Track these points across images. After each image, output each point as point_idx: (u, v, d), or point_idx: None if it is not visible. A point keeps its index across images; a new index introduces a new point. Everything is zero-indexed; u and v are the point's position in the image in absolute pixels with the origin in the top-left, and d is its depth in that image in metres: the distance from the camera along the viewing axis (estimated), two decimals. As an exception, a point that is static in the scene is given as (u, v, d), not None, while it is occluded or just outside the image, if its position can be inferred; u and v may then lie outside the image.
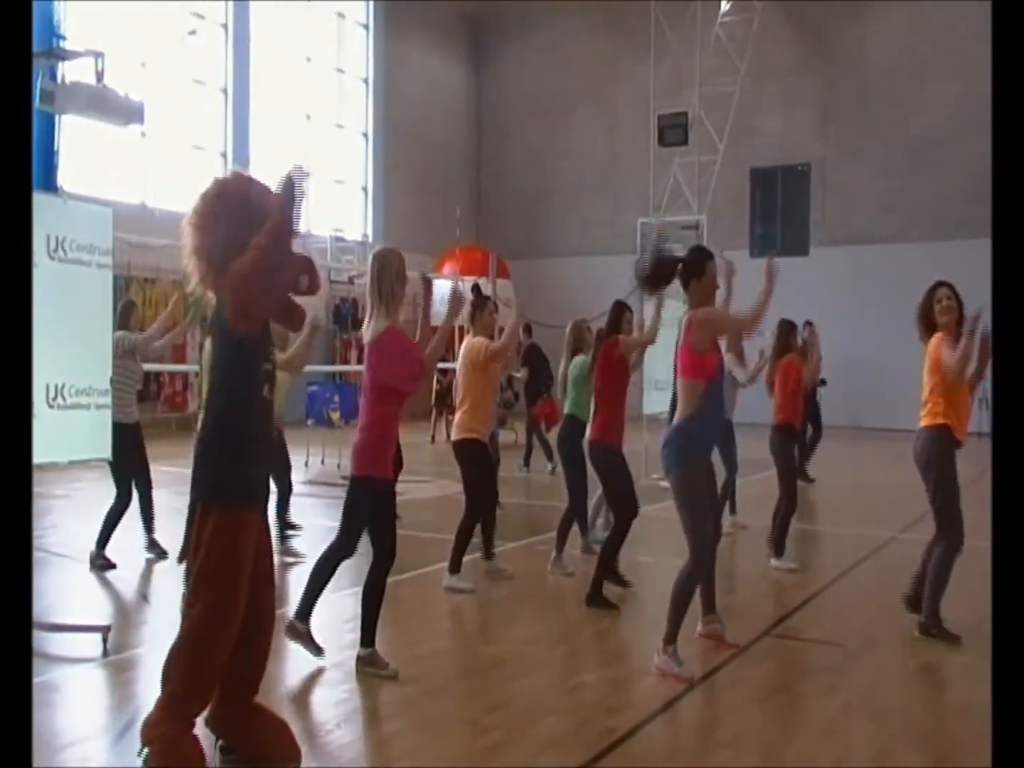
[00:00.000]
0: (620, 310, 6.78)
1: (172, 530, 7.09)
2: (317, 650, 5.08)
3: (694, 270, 4.97)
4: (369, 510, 4.96)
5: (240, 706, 3.51)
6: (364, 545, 5.05)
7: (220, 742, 3.55)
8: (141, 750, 3.26)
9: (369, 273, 4.91)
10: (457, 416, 6.81)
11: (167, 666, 3.38)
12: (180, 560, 4.59)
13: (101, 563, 7.03)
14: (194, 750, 3.27)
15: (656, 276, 5.04)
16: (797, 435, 7.56)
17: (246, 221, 3.40)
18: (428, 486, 11.41)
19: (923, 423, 5.66)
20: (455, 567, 6.63)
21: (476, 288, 7.19)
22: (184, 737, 3.27)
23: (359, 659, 4.89)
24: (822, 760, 3.94)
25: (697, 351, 4.90)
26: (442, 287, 20.80)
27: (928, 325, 5.65)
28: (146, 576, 7.08)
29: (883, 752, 4.03)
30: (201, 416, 3.79)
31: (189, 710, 3.32)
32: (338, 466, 13.31)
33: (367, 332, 4.94)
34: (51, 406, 5.25)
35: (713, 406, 4.97)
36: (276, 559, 7.20)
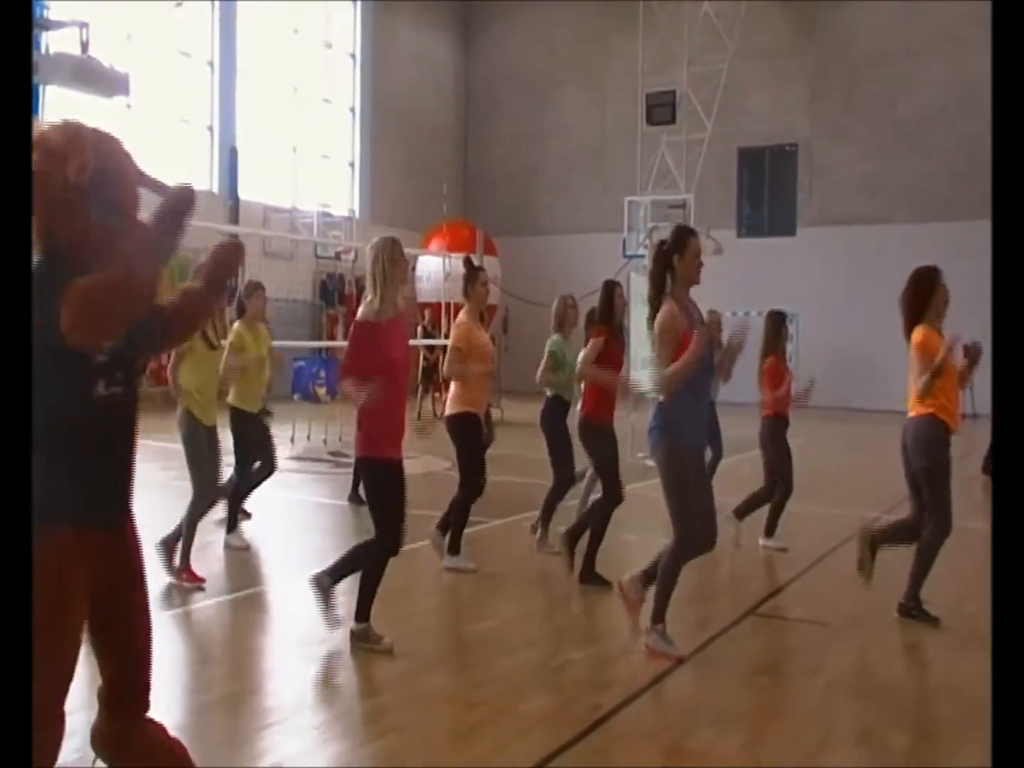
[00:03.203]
0: (611, 289, 6.75)
1: (153, 504, 7.06)
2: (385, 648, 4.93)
3: (676, 247, 4.94)
4: (368, 488, 5.05)
5: (125, 723, 3.15)
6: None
7: (97, 761, 3.21)
8: None
9: (367, 260, 4.99)
10: (451, 390, 6.76)
11: None
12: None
13: None
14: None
15: (657, 266, 5.01)
16: (787, 423, 7.60)
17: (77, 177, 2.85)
18: (415, 462, 11.41)
19: (914, 412, 5.61)
20: (455, 548, 6.59)
21: (468, 260, 7.10)
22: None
23: (353, 634, 4.90)
24: (806, 739, 3.98)
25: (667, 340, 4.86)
26: (429, 264, 20.78)
27: (919, 313, 5.60)
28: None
29: (867, 731, 4.07)
30: None
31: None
32: (324, 442, 13.30)
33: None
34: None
35: (698, 386, 4.91)
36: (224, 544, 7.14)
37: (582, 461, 7.10)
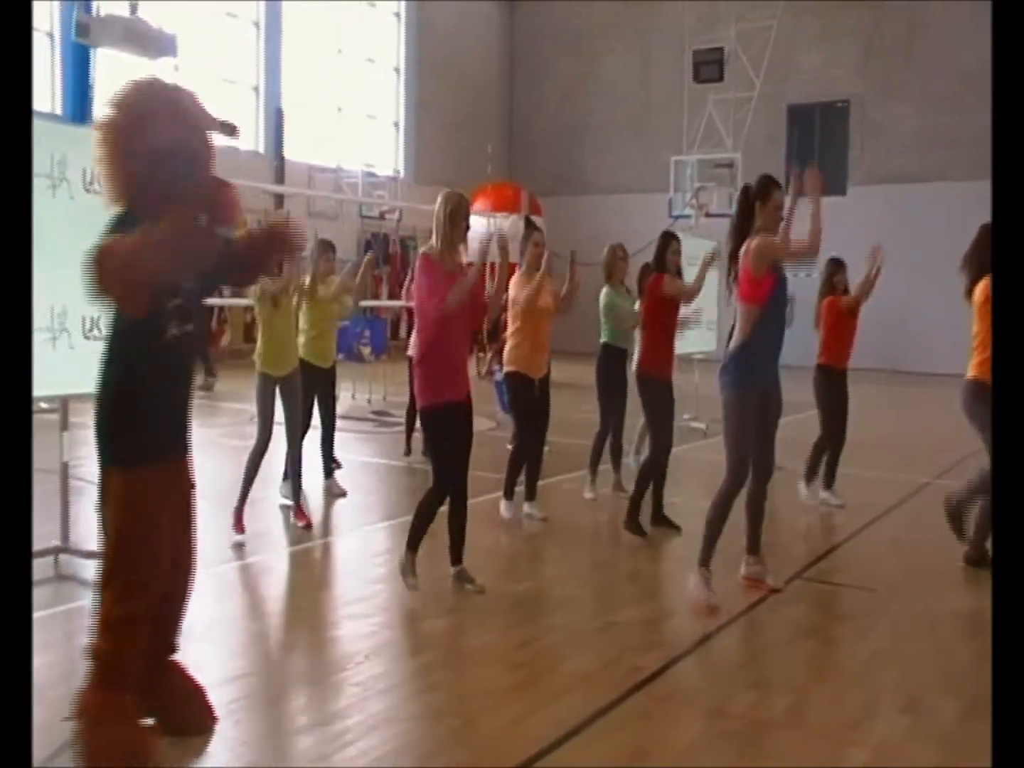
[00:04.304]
0: (666, 241, 6.68)
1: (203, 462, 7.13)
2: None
3: (760, 195, 5.10)
4: (426, 437, 5.29)
5: (153, 663, 3.32)
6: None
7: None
8: (70, 719, 3.14)
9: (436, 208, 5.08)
10: (506, 348, 6.76)
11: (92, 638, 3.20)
12: None
13: None
14: (129, 715, 3.15)
15: (742, 213, 5.15)
16: (840, 375, 7.54)
17: (151, 135, 3.08)
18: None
19: (970, 374, 5.59)
20: (510, 494, 6.76)
21: (527, 220, 7.15)
22: (117, 703, 3.12)
23: (400, 561, 5.17)
24: (851, 705, 3.93)
25: (754, 276, 5.02)
26: (474, 224, 20.68)
27: (985, 270, 5.50)
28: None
29: (914, 698, 4.02)
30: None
31: (125, 681, 3.14)
32: (368, 401, 13.37)
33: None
34: (87, 337, 5.26)
35: (770, 332, 5.09)
36: (321, 494, 7.33)
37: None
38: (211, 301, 17.04)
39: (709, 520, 5.11)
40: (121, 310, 3.00)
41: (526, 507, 6.82)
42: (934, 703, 3.98)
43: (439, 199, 5.09)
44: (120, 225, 3.08)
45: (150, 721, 3.36)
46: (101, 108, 3.12)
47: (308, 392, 6.92)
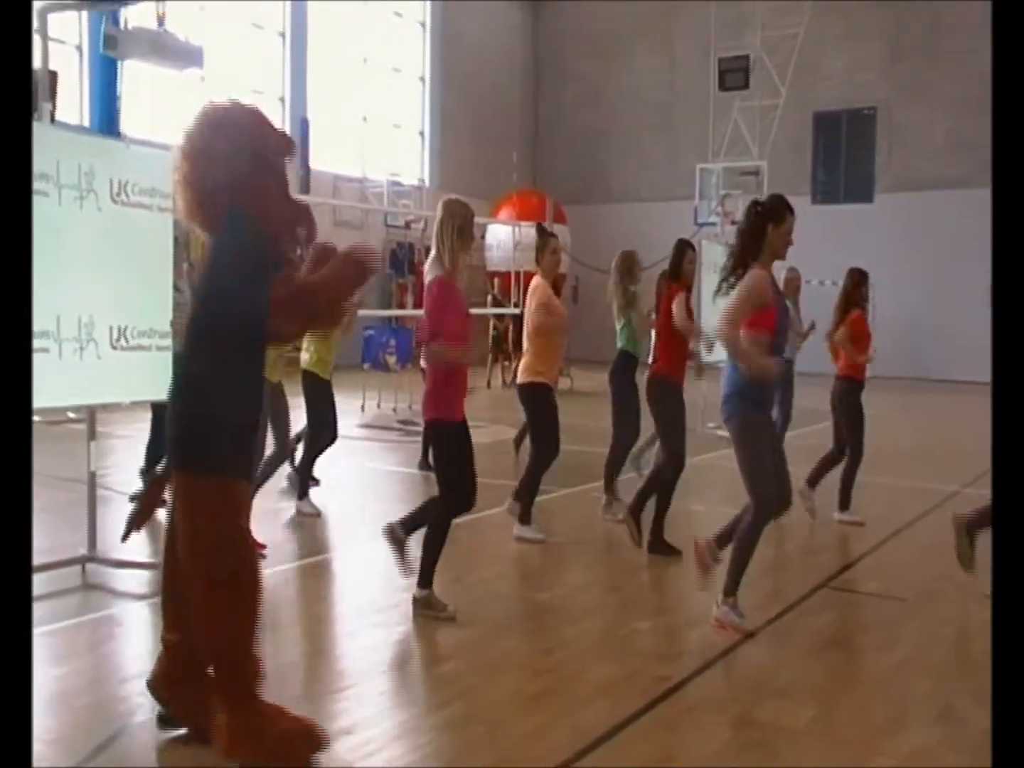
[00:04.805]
0: (682, 250, 6.60)
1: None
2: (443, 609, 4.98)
3: (774, 216, 4.77)
4: (435, 452, 5.09)
5: (196, 678, 3.34)
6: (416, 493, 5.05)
7: (159, 709, 3.46)
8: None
9: (436, 218, 4.89)
10: (523, 358, 6.71)
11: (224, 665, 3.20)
12: (127, 536, 4.01)
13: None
14: (276, 710, 3.19)
15: (749, 229, 4.85)
16: (862, 385, 7.43)
17: (242, 154, 3.18)
18: (483, 431, 11.43)
19: None
20: (526, 518, 6.55)
21: (540, 227, 7.03)
22: (273, 716, 3.16)
23: (415, 601, 4.92)
24: (880, 714, 3.89)
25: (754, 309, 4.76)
26: (499, 233, 20.70)
27: None
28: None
29: (944, 708, 3.97)
30: (179, 372, 3.39)
31: (260, 690, 3.18)
32: (394, 410, 13.41)
33: (426, 273, 4.99)
34: (115, 347, 5.31)
35: (773, 350, 4.83)
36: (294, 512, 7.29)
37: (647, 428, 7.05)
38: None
39: (737, 553, 4.82)
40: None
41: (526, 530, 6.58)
42: (966, 713, 3.92)
43: (441, 210, 4.87)
44: (239, 224, 3.19)
45: (184, 731, 3.40)
46: (181, 135, 3.28)
47: (325, 403, 7.04)
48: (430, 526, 4.96)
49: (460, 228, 4.83)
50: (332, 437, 7.38)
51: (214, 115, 3.25)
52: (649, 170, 26.14)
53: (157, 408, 7.23)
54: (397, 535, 5.10)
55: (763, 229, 4.76)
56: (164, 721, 3.47)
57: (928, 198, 22.38)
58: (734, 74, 19.47)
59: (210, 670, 3.31)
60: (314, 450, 7.28)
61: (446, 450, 4.96)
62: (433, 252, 4.93)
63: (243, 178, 3.17)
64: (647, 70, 26.28)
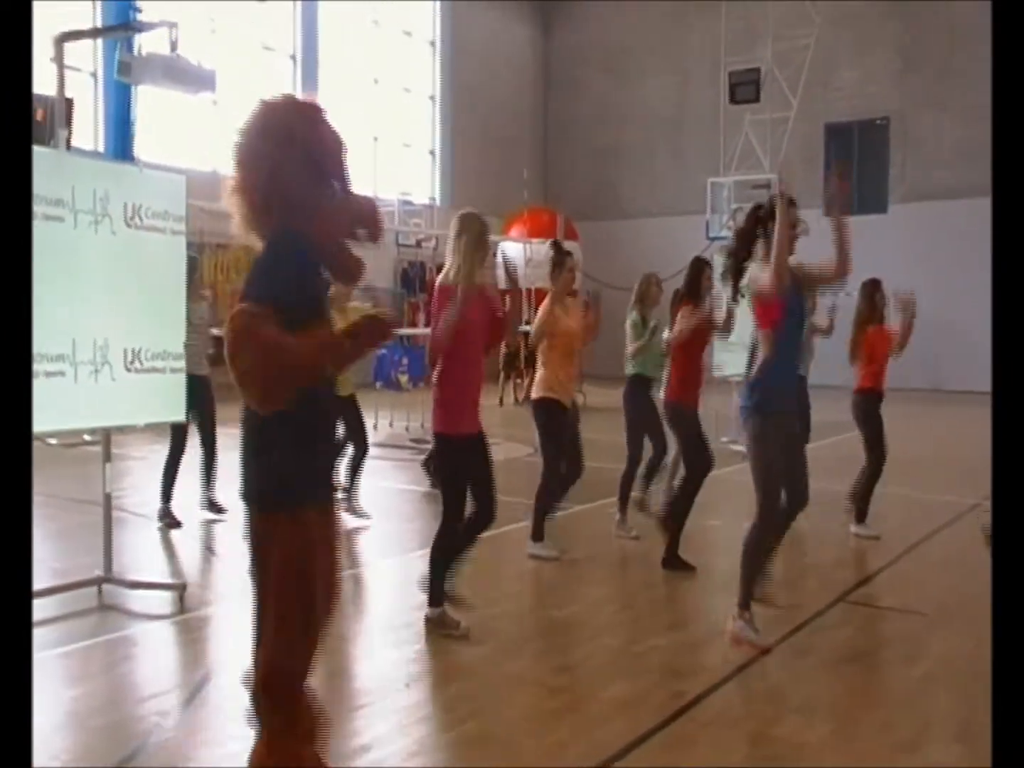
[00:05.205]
0: (700, 268, 6.58)
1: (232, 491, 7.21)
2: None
3: (773, 215, 4.83)
4: (438, 465, 5.11)
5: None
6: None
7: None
8: None
9: (452, 231, 4.91)
10: (536, 375, 6.70)
11: (255, 697, 3.10)
12: None
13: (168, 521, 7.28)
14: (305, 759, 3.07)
15: (744, 233, 4.96)
16: (881, 398, 7.39)
17: (291, 155, 2.96)
18: (497, 448, 11.42)
19: None
20: (538, 535, 6.52)
21: (556, 244, 7.02)
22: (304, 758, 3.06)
23: (427, 620, 4.92)
24: (900, 731, 3.85)
25: (762, 301, 4.82)
26: (510, 250, 20.74)
27: None
28: (212, 533, 7.20)
29: (965, 726, 3.92)
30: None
31: (295, 743, 3.04)
32: (406, 429, 13.41)
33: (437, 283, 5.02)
34: (129, 370, 5.34)
35: (785, 353, 4.84)
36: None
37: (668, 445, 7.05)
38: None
39: (745, 559, 4.82)
40: (260, 407, 2.84)
41: (539, 548, 6.53)
42: (987, 730, 3.86)
43: (457, 223, 4.89)
44: (283, 241, 2.98)
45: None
46: (237, 136, 3.02)
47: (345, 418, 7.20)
48: (432, 545, 4.94)
49: (474, 241, 4.84)
50: (364, 450, 7.64)
51: (260, 116, 3.02)
52: (660, 185, 26.16)
53: (176, 430, 7.32)
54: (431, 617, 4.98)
55: (762, 229, 4.86)
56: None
57: (942, 208, 22.30)
58: (745, 87, 19.49)
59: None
60: (353, 468, 7.62)
61: (446, 464, 4.95)
62: (448, 264, 4.91)
63: (289, 185, 2.95)
64: (657, 85, 26.35)
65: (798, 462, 4.90)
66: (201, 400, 7.38)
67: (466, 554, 5.01)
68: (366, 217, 3.08)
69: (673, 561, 6.23)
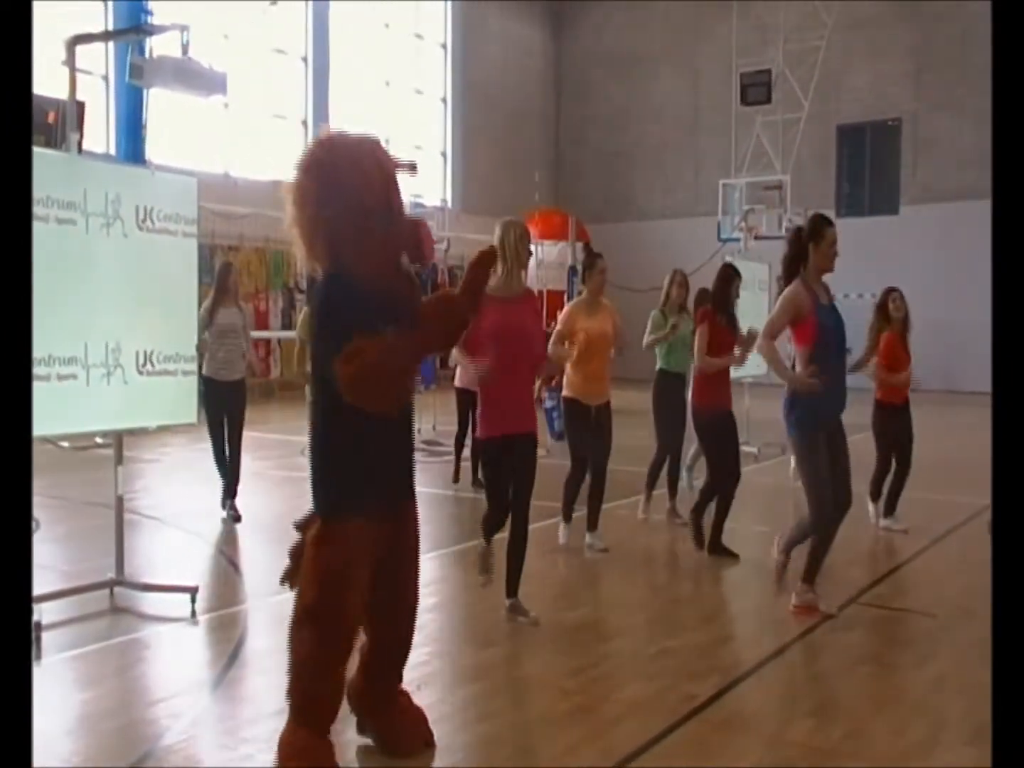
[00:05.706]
0: (730, 278, 6.68)
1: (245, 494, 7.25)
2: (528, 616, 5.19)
3: (813, 236, 5.18)
4: (481, 464, 5.47)
5: (381, 685, 3.54)
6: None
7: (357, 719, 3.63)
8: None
9: (496, 237, 5.17)
10: (565, 376, 6.69)
11: (289, 680, 3.32)
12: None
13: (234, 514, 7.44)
14: (328, 760, 3.27)
15: (793, 255, 5.26)
16: (895, 408, 7.38)
17: (334, 195, 3.18)
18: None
19: None
20: (568, 518, 6.71)
21: (587, 247, 7.16)
22: (318, 747, 3.25)
23: (509, 608, 5.16)
24: (914, 734, 3.83)
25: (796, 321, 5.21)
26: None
27: None
28: (229, 538, 7.18)
29: (980, 728, 3.86)
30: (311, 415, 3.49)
31: (318, 722, 3.28)
32: (418, 431, 13.41)
33: None
34: (140, 372, 5.34)
35: (833, 363, 5.16)
36: None
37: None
38: (260, 334, 17.28)
39: (811, 545, 5.35)
40: (373, 411, 3.13)
41: (587, 537, 6.69)
42: (1000, 731, 3.85)
43: (500, 229, 5.18)
44: (330, 285, 3.21)
45: (369, 741, 3.58)
46: (291, 172, 3.27)
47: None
48: (511, 538, 5.22)
49: (515, 245, 5.15)
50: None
51: (310, 154, 3.25)
52: (671, 186, 26.12)
53: (213, 428, 7.50)
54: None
55: (803, 251, 5.20)
56: (360, 729, 3.65)
57: (954, 209, 22.20)
58: (756, 88, 19.48)
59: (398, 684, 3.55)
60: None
61: (485, 467, 5.30)
62: (497, 270, 5.07)
63: (332, 225, 3.18)
64: (668, 86, 26.30)
65: (840, 468, 5.27)
66: (233, 405, 7.45)
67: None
68: (411, 245, 3.38)
69: (718, 547, 6.49)
